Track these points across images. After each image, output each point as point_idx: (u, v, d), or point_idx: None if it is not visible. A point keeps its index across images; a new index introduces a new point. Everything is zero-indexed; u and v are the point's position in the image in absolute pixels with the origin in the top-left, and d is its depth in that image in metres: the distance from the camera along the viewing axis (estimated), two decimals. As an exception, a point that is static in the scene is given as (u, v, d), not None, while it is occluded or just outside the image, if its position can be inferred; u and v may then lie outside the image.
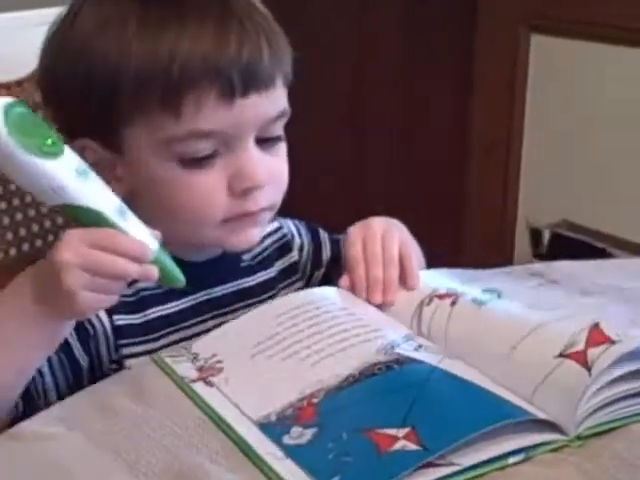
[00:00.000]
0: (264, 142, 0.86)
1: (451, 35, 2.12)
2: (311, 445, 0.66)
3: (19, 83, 0.99)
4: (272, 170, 0.87)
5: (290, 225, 1.04)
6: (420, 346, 0.77)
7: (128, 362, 0.86)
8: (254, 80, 0.83)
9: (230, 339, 0.82)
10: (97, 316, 0.85)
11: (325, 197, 2.30)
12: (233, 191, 0.84)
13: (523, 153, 2.00)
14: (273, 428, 0.69)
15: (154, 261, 0.74)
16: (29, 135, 0.70)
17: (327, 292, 0.87)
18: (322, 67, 2.21)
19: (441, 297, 0.83)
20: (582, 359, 0.69)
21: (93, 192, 0.73)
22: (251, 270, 0.97)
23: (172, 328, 0.90)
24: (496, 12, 1.97)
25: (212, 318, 0.91)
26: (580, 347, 0.70)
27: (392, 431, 0.65)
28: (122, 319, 0.87)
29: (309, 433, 0.67)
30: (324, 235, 1.06)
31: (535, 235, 1.99)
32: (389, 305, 0.85)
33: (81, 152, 0.84)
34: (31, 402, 0.80)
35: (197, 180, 0.84)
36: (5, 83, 0.98)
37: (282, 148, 0.90)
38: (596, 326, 0.72)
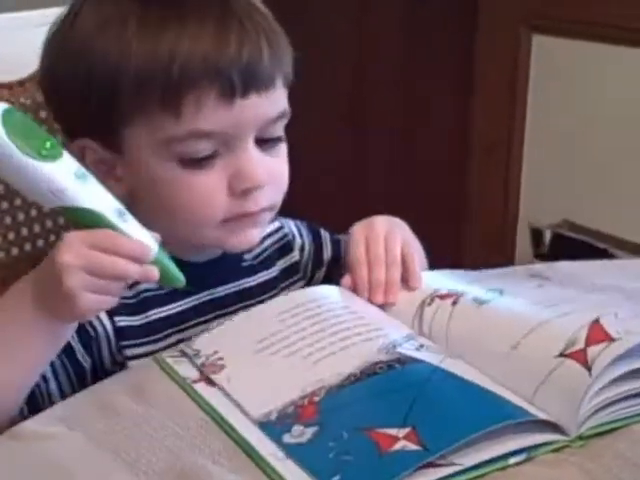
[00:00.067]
0: (264, 143, 0.86)
1: (452, 35, 2.11)
2: (312, 444, 0.66)
3: (21, 83, 0.98)
4: (272, 170, 0.87)
5: (291, 225, 1.04)
6: (421, 346, 0.77)
7: (130, 364, 0.86)
8: (254, 80, 0.82)
9: (232, 336, 0.82)
10: (98, 318, 0.85)
11: (325, 197, 2.30)
12: (233, 191, 0.84)
13: (524, 153, 2.00)
14: (273, 427, 0.69)
15: (154, 261, 0.74)
16: (28, 139, 0.71)
17: (329, 290, 0.87)
18: (322, 67, 2.21)
19: (442, 297, 0.83)
20: (582, 358, 0.69)
21: (92, 194, 0.73)
22: (252, 270, 0.97)
23: (174, 329, 0.90)
24: (497, 12, 1.96)
25: (214, 318, 0.91)
26: (580, 346, 0.70)
27: (393, 431, 0.65)
28: (123, 320, 0.87)
29: (310, 432, 0.67)
30: (325, 235, 1.06)
31: (536, 235, 1.99)
32: (391, 305, 0.85)
33: (81, 152, 0.84)
34: (36, 407, 0.80)
35: (197, 180, 0.84)
36: (7, 83, 0.98)
37: (282, 149, 0.89)
38: (597, 321, 0.72)
